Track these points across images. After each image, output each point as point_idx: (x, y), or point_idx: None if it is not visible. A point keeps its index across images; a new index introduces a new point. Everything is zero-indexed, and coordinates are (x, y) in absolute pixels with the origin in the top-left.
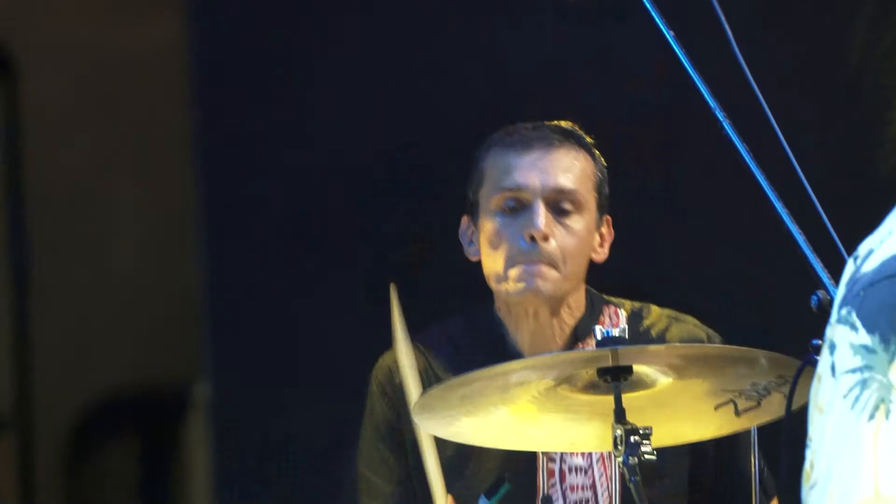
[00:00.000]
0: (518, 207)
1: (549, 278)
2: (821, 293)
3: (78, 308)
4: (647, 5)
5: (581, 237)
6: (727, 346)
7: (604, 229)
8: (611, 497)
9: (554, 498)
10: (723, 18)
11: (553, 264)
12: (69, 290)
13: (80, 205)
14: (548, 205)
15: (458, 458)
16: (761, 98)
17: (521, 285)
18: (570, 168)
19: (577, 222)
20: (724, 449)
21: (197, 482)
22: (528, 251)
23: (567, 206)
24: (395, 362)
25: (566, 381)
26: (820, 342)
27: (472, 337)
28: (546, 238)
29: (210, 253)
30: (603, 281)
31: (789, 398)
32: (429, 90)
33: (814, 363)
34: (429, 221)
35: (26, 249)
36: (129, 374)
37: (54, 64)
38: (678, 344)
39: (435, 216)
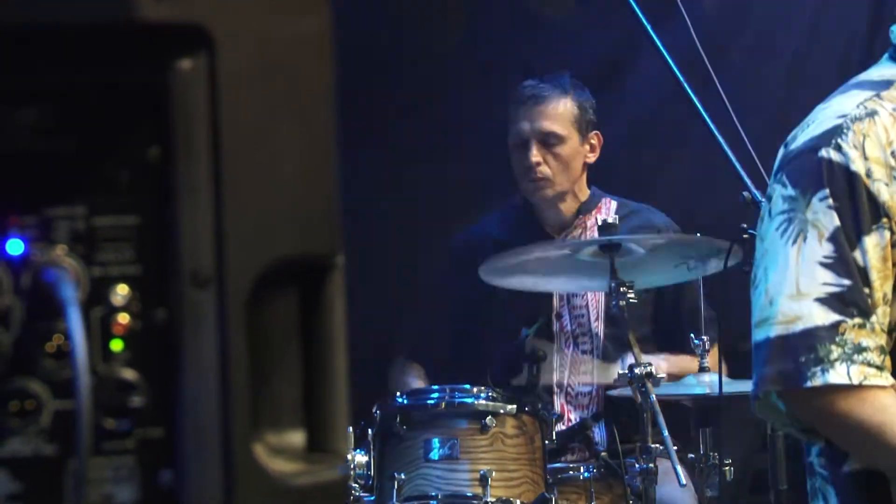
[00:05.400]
0: (521, 144)
1: (545, 187)
2: (745, 193)
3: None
4: None
5: (566, 158)
6: (677, 234)
7: (593, 141)
8: (598, 312)
9: (562, 313)
10: None
11: (546, 179)
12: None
13: None
14: (538, 142)
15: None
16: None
17: (529, 193)
18: (551, 115)
19: (561, 150)
20: (681, 292)
21: (337, 322)
22: (528, 173)
23: (552, 140)
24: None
25: (577, 251)
26: (746, 226)
27: (519, 212)
28: (538, 164)
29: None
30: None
31: (726, 258)
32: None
33: (740, 242)
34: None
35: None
36: (291, 245)
37: None
38: (646, 236)
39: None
